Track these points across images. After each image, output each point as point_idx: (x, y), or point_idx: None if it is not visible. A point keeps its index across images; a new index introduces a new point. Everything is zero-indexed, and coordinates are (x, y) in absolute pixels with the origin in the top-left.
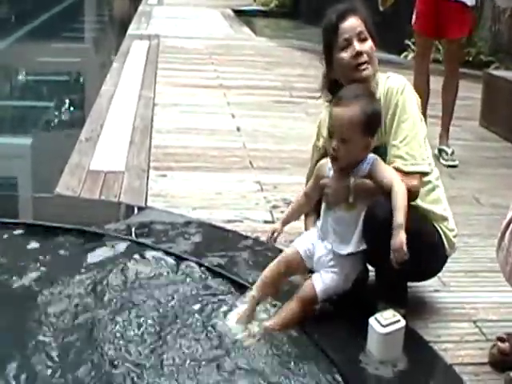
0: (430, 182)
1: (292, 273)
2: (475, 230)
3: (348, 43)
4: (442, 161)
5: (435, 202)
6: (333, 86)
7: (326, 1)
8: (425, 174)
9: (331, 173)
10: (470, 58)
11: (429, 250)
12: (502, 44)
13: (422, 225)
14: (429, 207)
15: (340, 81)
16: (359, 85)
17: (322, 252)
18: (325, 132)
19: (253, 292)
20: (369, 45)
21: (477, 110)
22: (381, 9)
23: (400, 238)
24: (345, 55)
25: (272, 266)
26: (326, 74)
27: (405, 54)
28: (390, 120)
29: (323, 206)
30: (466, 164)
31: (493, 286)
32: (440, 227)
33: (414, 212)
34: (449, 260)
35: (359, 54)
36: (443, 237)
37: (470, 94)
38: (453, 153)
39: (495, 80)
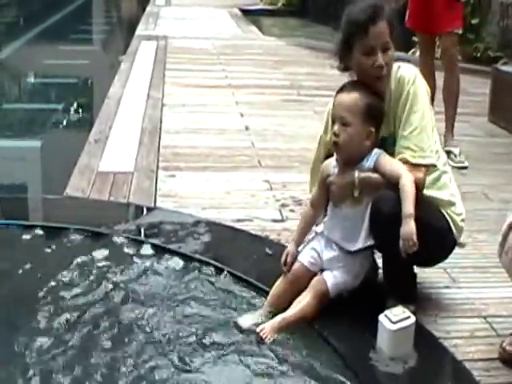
0: (436, 168)
1: (301, 286)
2: (484, 225)
3: (372, 50)
4: (451, 163)
5: (442, 188)
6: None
7: None
8: (432, 166)
9: (336, 170)
10: (478, 54)
11: (436, 236)
12: (510, 39)
13: (428, 212)
14: (435, 194)
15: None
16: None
17: (331, 254)
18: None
19: (267, 308)
20: (390, 55)
21: (485, 106)
22: (394, 6)
23: (410, 227)
24: (366, 61)
25: (279, 283)
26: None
27: (413, 50)
28: (400, 109)
29: (330, 204)
30: (474, 160)
31: (503, 282)
32: (447, 213)
33: (420, 200)
34: (458, 256)
35: (381, 67)
36: (450, 222)
37: (479, 89)
38: (460, 153)
39: (503, 75)
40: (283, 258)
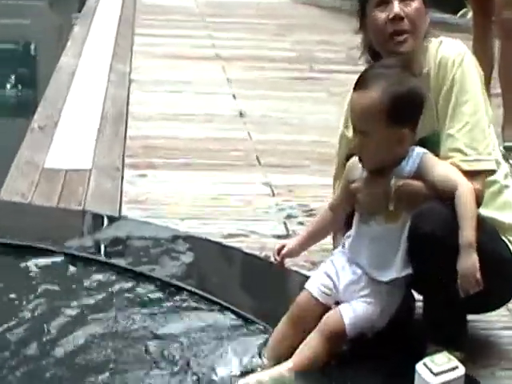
0: (495, 182)
1: (308, 326)
2: None
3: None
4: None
5: (503, 207)
6: (374, 54)
7: None
8: (490, 172)
9: (364, 174)
10: None
11: (497, 271)
12: None
13: (487, 239)
14: (495, 215)
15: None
16: (394, 57)
17: (350, 277)
18: None
19: (264, 361)
20: (414, 6)
21: None
22: None
23: (472, 260)
24: (379, 15)
25: (280, 324)
26: (363, 38)
27: (462, 11)
28: (444, 101)
29: (355, 218)
30: None
31: None
32: (509, 240)
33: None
34: None
35: (398, 18)
36: None
37: None
38: None
39: None
40: (277, 247)
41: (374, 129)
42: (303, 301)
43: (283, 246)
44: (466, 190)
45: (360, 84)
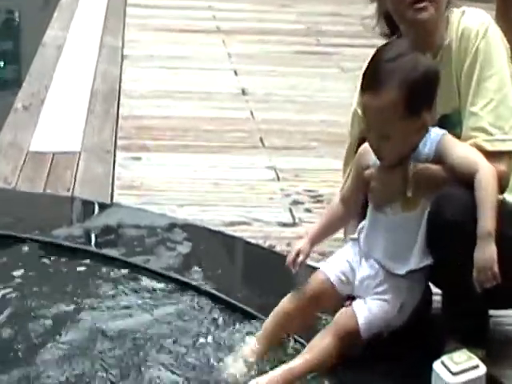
0: None
1: (320, 307)
2: None
3: None
4: None
5: None
6: (390, 23)
7: None
8: None
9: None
10: None
11: None
12: None
13: (511, 228)
14: None
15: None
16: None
17: (367, 272)
18: None
19: (259, 335)
20: None
21: None
22: None
23: (490, 250)
24: None
25: (288, 298)
26: (378, 6)
27: None
28: (466, 75)
29: (370, 207)
30: None
31: None
32: None
33: (499, 210)
34: None
35: None
36: None
37: None
38: None
39: None
40: (290, 257)
41: (394, 129)
42: (318, 283)
43: (298, 254)
44: (486, 173)
45: (370, 84)
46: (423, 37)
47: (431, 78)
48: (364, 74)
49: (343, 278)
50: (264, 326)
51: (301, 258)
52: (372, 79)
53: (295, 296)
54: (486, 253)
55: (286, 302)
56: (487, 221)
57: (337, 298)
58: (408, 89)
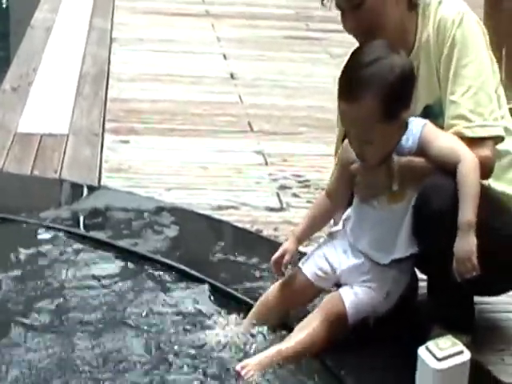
0: (507, 152)
1: (300, 302)
2: None
3: None
4: None
5: None
6: None
7: None
8: (499, 139)
9: None
10: None
11: (507, 248)
12: None
13: (496, 216)
14: (506, 189)
15: None
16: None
17: (353, 262)
18: None
19: (251, 320)
20: None
21: None
22: None
23: (469, 242)
24: None
25: (271, 289)
26: None
27: None
28: (444, 65)
29: (355, 200)
30: None
31: None
32: None
33: (484, 197)
34: None
35: None
36: None
37: None
38: None
39: None
40: (275, 256)
41: (374, 134)
42: (296, 280)
43: (282, 255)
44: (468, 164)
45: (346, 93)
46: (394, 39)
47: (407, 77)
48: (340, 81)
49: (320, 273)
50: (249, 315)
51: (286, 258)
52: (348, 88)
53: (277, 290)
54: (466, 244)
55: (267, 294)
56: (468, 212)
57: (314, 292)
58: (385, 95)
